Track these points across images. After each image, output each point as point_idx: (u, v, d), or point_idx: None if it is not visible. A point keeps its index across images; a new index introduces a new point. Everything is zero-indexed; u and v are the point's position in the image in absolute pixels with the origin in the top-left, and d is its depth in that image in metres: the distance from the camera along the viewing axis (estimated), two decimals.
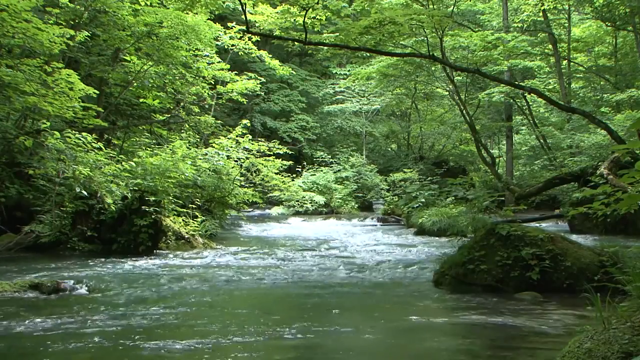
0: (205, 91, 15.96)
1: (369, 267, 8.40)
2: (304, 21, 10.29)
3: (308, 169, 23.92)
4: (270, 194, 19.01)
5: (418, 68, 19.61)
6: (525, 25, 20.84)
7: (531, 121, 21.85)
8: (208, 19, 13.68)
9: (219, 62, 16.09)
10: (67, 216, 9.65)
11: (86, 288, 6.43)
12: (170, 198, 10.74)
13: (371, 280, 7.48)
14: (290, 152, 18.53)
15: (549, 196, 18.09)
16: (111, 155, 11.31)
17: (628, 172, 3.09)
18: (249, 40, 16.74)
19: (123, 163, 10.96)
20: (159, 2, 13.00)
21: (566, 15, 21.77)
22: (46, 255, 8.86)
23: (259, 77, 18.42)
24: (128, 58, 13.51)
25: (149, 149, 12.85)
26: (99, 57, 13.99)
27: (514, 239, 6.42)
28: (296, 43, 12.22)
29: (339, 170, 24.28)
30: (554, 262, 6.20)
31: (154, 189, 10.23)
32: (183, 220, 10.98)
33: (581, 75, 22.45)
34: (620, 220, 10.33)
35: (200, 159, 13.10)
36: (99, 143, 10.77)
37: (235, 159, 14.19)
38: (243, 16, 10.86)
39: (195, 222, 11.29)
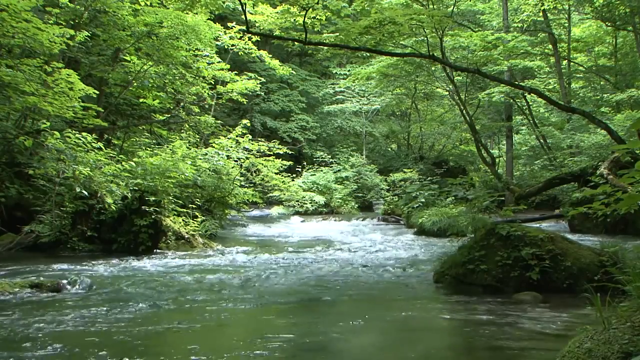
0: (205, 91, 15.96)
1: (368, 267, 8.41)
2: (304, 21, 10.28)
3: (308, 169, 23.92)
4: (270, 194, 19.01)
5: (418, 68, 19.61)
6: (525, 25, 20.83)
7: (531, 121, 21.84)
8: (208, 19, 13.68)
9: (219, 62, 16.08)
10: (67, 216, 9.65)
11: (86, 288, 6.43)
12: (170, 198, 10.74)
13: (370, 280, 7.48)
14: (290, 152, 18.53)
15: (549, 196, 18.09)
16: (111, 155, 11.30)
17: (628, 172, 3.09)
18: (249, 40, 16.75)
19: (123, 163, 10.95)
20: (159, 2, 13.00)
21: (566, 15, 21.77)
22: (46, 255, 8.86)
23: (259, 77, 18.43)
24: (128, 58, 13.50)
25: (149, 149, 12.85)
26: (99, 57, 13.98)
27: (514, 239, 6.42)
28: (296, 43, 12.22)
29: (339, 170, 24.27)
30: (554, 262, 6.20)
31: (154, 189, 10.23)
32: (183, 220, 10.98)
33: (581, 75, 22.45)
34: (620, 220, 10.34)
35: (200, 159, 13.10)
36: (99, 143, 10.75)
37: (235, 159, 14.20)
38: (243, 16, 10.85)
39: (195, 222, 11.30)
